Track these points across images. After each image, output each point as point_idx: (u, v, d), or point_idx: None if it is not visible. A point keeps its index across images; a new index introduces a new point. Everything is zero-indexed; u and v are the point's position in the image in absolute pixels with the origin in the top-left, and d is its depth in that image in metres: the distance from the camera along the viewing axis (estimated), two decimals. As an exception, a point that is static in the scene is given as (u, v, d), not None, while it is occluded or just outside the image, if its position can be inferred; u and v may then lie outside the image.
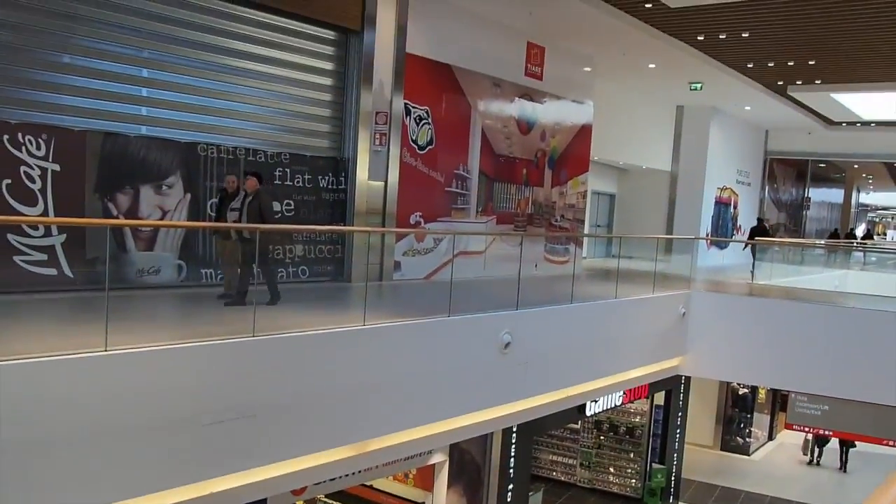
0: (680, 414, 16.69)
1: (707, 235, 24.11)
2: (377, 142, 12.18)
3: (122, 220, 9.44)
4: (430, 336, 8.51)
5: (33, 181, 8.64)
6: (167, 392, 6.20)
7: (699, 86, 19.88)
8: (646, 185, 24.23)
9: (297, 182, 11.47)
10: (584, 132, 17.41)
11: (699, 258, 18.48)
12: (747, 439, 21.17)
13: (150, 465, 6.16)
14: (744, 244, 23.34)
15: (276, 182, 11.16)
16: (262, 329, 6.84)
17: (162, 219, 9.85)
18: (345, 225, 12.05)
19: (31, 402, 5.40)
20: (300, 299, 10.01)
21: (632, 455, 16.98)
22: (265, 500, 8.23)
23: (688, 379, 16.50)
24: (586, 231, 20.18)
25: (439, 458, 10.51)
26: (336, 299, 10.78)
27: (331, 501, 11.59)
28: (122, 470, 5.98)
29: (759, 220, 23.29)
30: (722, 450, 21.02)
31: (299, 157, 11.52)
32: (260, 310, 7.08)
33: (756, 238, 20.76)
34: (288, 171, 11.34)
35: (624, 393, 13.84)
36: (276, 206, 10.79)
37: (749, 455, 20.99)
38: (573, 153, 17.14)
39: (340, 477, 9.28)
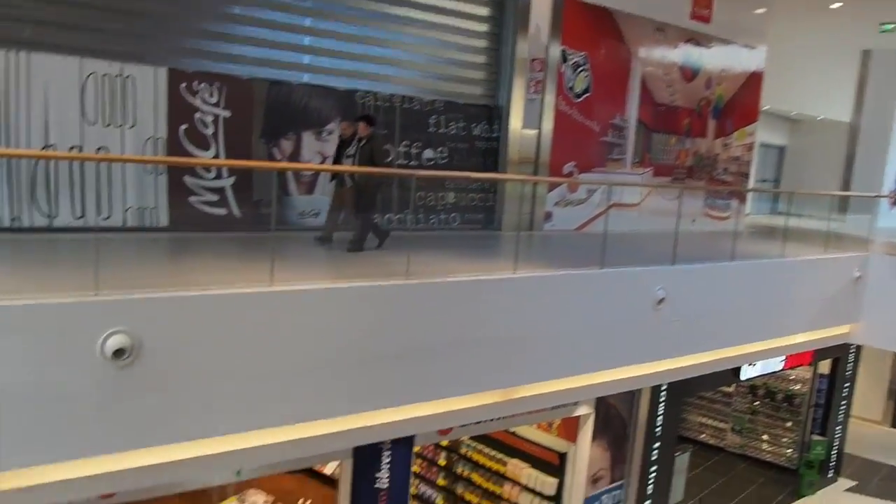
0: (847, 385, 15.79)
1: (891, 194, 22.33)
2: (532, 89, 12.03)
3: (286, 164, 9.88)
4: (581, 288, 8.41)
5: (206, 126, 9.16)
6: (323, 330, 6.48)
7: (892, 27, 18.19)
8: (820, 137, 22.66)
9: (451, 130, 11.53)
10: (753, 79, 16.44)
11: (880, 218, 17.16)
12: (922, 416, 19.82)
13: (303, 397, 6.48)
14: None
15: (430, 130, 11.28)
16: (414, 274, 6.99)
17: (322, 164, 10.19)
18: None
19: (205, 332, 5.78)
20: (452, 246, 10.15)
21: (789, 424, 16.26)
22: (413, 436, 8.53)
23: (858, 348, 15.55)
24: (751, 185, 19.19)
25: (585, 410, 10.46)
26: (486, 247, 10.84)
27: (475, 443, 11.83)
28: (278, 401, 6.33)
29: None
30: (892, 426, 19.73)
31: (453, 104, 11.57)
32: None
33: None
34: (442, 118, 11.42)
35: (785, 358, 13.22)
36: (422, 153, 10.89)
37: (923, 433, 19.67)
38: (740, 102, 16.25)
39: (485, 421, 9.40)
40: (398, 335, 6.97)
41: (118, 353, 5.21)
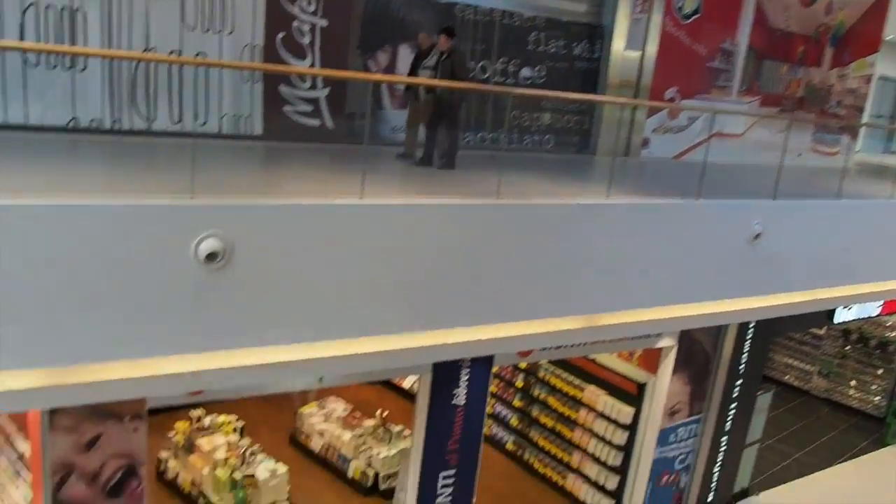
0: (945, 333, 15.14)
1: None
2: (638, 9, 11.52)
3: (381, 76, 9.81)
4: (675, 218, 8.17)
5: (303, 35, 9.13)
6: (410, 245, 6.49)
7: None
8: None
9: (551, 48, 11.20)
10: (879, 6, 15.30)
11: None
12: None
13: (386, 310, 6.56)
14: None
15: (529, 47, 10.97)
16: (505, 195, 6.90)
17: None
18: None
19: (295, 241, 5.87)
20: (544, 168, 9.99)
21: (880, 371, 15.74)
22: (492, 356, 8.59)
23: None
24: (865, 121, 18.15)
25: (668, 342, 10.32)
26: (580, 172, 10.64)
27: (553, 368, 11.87)
28: (361, 313, 6.42)
29: None
30: None
31: (554, 22, 11.19)
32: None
33: None
34: (542, 36, 11.09)
35: (882, 304, 12.69)
36: (513, 69, 10.63)
37: None
38: (862, 30, 15.22)
39: (566, 346, 9.41)
40: (484, 255, 6.94)
41: (211, 256, 5.34)
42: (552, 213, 7.24)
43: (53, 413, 6.47)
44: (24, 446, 7.83)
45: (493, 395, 12.67)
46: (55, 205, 4.89)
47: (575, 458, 11.55)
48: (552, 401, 11.88)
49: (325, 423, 11.98)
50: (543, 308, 7.69)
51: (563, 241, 7.38)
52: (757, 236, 8.71)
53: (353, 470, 11.28)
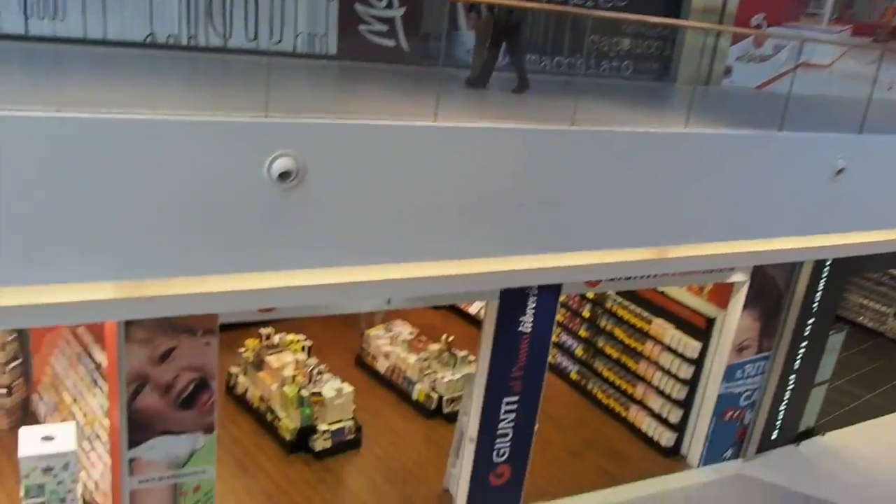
0: None
1: None
2: (726, -71, 10.93)
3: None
4: (755, 150, 7.87)
5: (378, -47, 8.93)
6: (482, 170, 6.40)
7: None
8: None
9: (632, -30, 10.74)
10: None
11: None
12: None
13: (456, 235, 6.51)
14: None
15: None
16: (580, 121, 6.73)
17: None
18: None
19: (367, 162, 5.83)
20: (621, 95, 9.71)
21: (960, 314, 15.22)
22: (560, 285, 8.53)
23: None
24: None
25: (740, 277, 10.09)
26: (658, 99, 10.32)
27: (621, 299, 11.76)
28: (431, 236, 6.39)
29: None
30: None
31: (638, -58, 10.71)
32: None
33: None
34: (624, -43, 10.63)
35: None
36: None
37: None
38: (966, -45, 14.24)
39: (635, 278, 9.30)
40: (556, 182, 6.81)
41: (284, 175, 5.34)
42: (628, 141, 7.04)
43: (129, 325, 6.68)
44: (101, 357, 8.13)
45: (559, 325, 12.65)
46: (133, 119, 4.93)
47: (639, 390, 11.52)
48: (618, 332, 11.82)
49: (390, 346, 12.16)
50: (614, 238, 7.57)
51: (638, 171, 7.20)
52: (839, 172, 8.37)
53: (418, 392, 11.47)
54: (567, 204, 6.96)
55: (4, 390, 9.62)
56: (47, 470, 7.12)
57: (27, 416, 9.92)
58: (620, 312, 11.78)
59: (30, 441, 7.22)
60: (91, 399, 8.40)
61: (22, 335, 9.81)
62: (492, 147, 6.39)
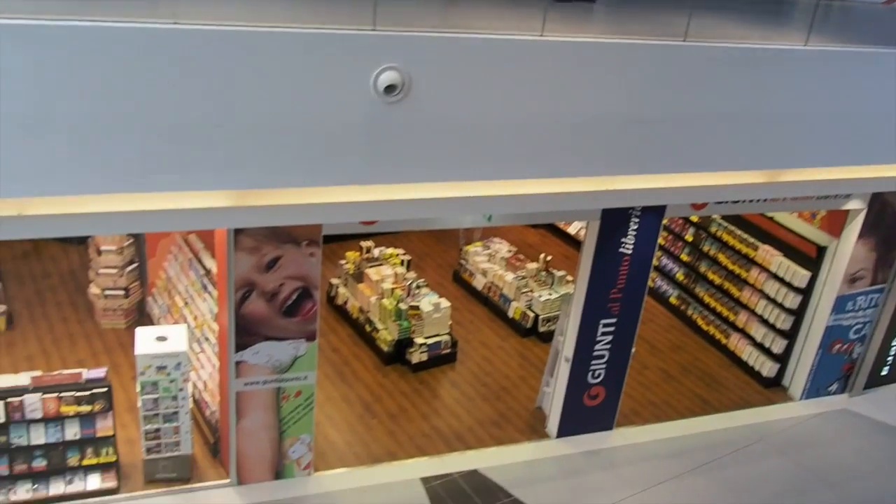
0: None
1: None
2: None
3: None
4: (879, 70, 7.35)
5: None
6: (588, 86, 6.22)
7: None
8: None
9: None
10: None
11: None
12: None
13: (560, 153, 6.40)
14: None
15: None
16: (693, 36, 6.43)
17: None
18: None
19: (473, 76, 5.74)
20: (737, 9, 9.20)
21: None
22: (664, 207, 8.33)
23: None
24: None
25: (856, 205, 9.59)
26: (777, 14, 9.74)
27: (726, 223, 11.39)
28: (534, 153, 6.29)
29: None
30: None
31: None
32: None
33: None
34: None
35: None
36: None
37: None
38: None
39: (743, 202, 8.98)
40: (665, 99, 6.57)
41: (390, 88, 5.31)
42: (742, 57, 6.68)
43: (238, 234, 6.89)
44: (211, 263, 8.44)
45: (661, 248, 12.39)
46: (245, 31, 4.96)
47: (741, 318, 11.25)
48: (722, 257, 11.50)
49: (488, 263, 12.21)
50: (723, 160, 7.31)
51: (752, 89, 6.85)
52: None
53: (514, 310, 11.52)
54: (675, 123, 6.72)
55: (122, 292, 10.15)
56: (161, 368, 7.53)
57: (142, 316, 10.48)
58: (725, 237, 11.44)
59: (145, 340, 7.63)
60: (201, 303, 8.77)
61: (138, 240, 10.29)
62: (600, 62, 6.19)
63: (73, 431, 7.54)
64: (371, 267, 11.17)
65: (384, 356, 10.43)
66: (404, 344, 10.37)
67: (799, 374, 10.71)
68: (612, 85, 6.30)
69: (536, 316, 11.33)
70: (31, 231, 5.84)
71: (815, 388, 10.72)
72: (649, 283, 8.93)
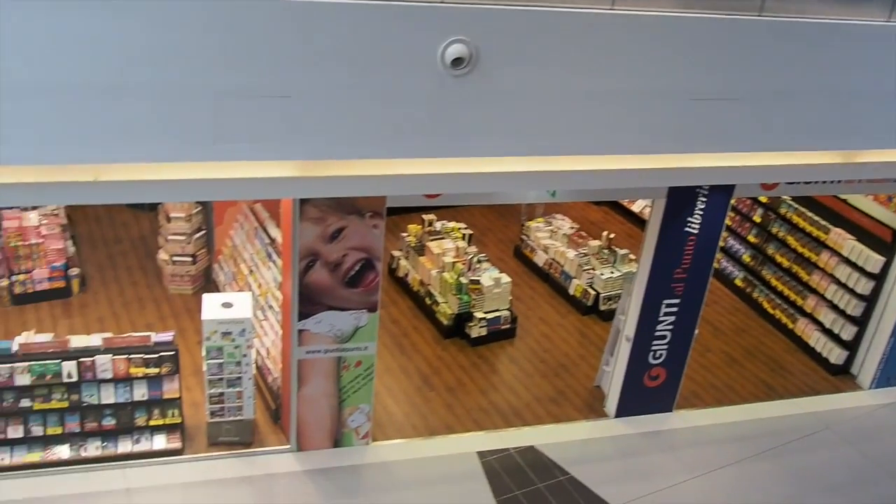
0: None
1: None
2: None
3: None
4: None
5: None
6: (657, 60, 6.07)
7: None
8: None
9: None
10: None
11: None
12: None
13: (627, 129, 6.28)
14: None
15: None
16: (769, 9, 6.22)
17: None
18: None
19: (541, 50, 5.65)
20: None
21: None
22: (733, 186, 8.14)
23: None
24: None
25: (937, 189, 9.27)
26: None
27: (797, 205, 11.09)
28: (601, 128, 6.19)
29: None
30: None
31: None
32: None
33: None
34: None
35: None
36: None
37: None
38: None
39: (817, 182, 8.71)
40: (738, 75, 6.38)
41: (457, 61, 5.27)
42: (820, 32, 6.44)
43: (304, 204, 6.96)
44: (276, 233, 8.56)
45: (727, 228, 12.14)
46: (314, 2, 4.96)
47: (809, 303, 10.97)
48: (791, 240, 11.20)
49: (550, 239, 12.12)
50: (796, 139, 7.08)
51: (830, 66, 6.60)
52: None
53: (575, 287, 11.44)
54: (747, 99, 6.53)
55: (189, 258, 10.39)
56: (226, 334, 7.69)
57: (209, 283, 10.71)
58: (795, 219, 11.13)
59: (212, 306, 7.80)
60: (265, 272, 8.92)
61: (206, 208, 10.50)
62: (670, 37, 6.03)
63: (140, 392, 7.78)
64: (433, 240, 11.20)
65: (443, 329, 10.48)
66: (464, 318, 10.39)
67: (869, 362, 10.41)
68: (682, 59, 6.13)
69: (597, 294, 11.23)
70: (106, 196, 5.98)
71: (886, 378, 10.40)
72: (714, 264, 8.76)
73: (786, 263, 11.32)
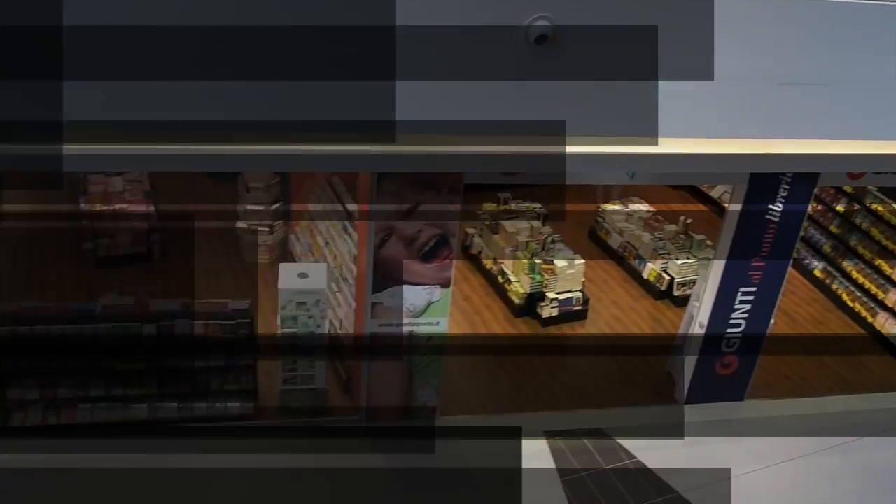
0: None
1: None
2: None
3: None
4: None
5: None
6: (743, 42, 5.97)
7: None
8: None
9: None
10: None
11: None
12: None
13: (712, 111, 6.21)
14: None
15: None
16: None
17: None
18: None
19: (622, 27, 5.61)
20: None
21: None
22: (817, 175, 7.93)
23: None
24: None
25: None
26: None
27: (884, 196, 10.74)
28: (688, 110, 6.10)
29: None
30: None
31: None
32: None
33: None
34: None
35: None
36: None
37: None
38: None
39: (907, 174, 8.42)
40: (828, 60, 6.22)
41: (541, 38, 5.26)
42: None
43: (381, 178, 7.04)
44: (352, 206, 8.67)
45: (808, 217, 11.80)
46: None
47: (891, 297, 10.62)
48: (875, 231, 10.86)
49: (625, 222, 12.01)
50: (889, 127, 6.85)
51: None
52: None
53: (649, 272, 11.31)
54: (837, 85, 6.35)
55: (267, 228, 10.61)
56: (301, 304, 7.86)
57: (285, 253, 10.93)
58: (881, 210, 10.78)
59: (288, 276, 7.98)
60: (341, 244, 9.05)
61: (284, 179, 10.69)
62: (758, 18, 5.91)
63: (216, 357, 8.00)
64: (507, 219, 11.19)
65: (515, 308, 10.50)
66: (536, 298, 10.39)
67: (951, 360, 10.09)
68: (769, 41, 6.02)
69: (672, 279, 11.09)
70: (189, 164, 6.16)
71: (968, 377, 10.07)
72: (793, 253, 8.56)
73: (868, 255, 10.99)
